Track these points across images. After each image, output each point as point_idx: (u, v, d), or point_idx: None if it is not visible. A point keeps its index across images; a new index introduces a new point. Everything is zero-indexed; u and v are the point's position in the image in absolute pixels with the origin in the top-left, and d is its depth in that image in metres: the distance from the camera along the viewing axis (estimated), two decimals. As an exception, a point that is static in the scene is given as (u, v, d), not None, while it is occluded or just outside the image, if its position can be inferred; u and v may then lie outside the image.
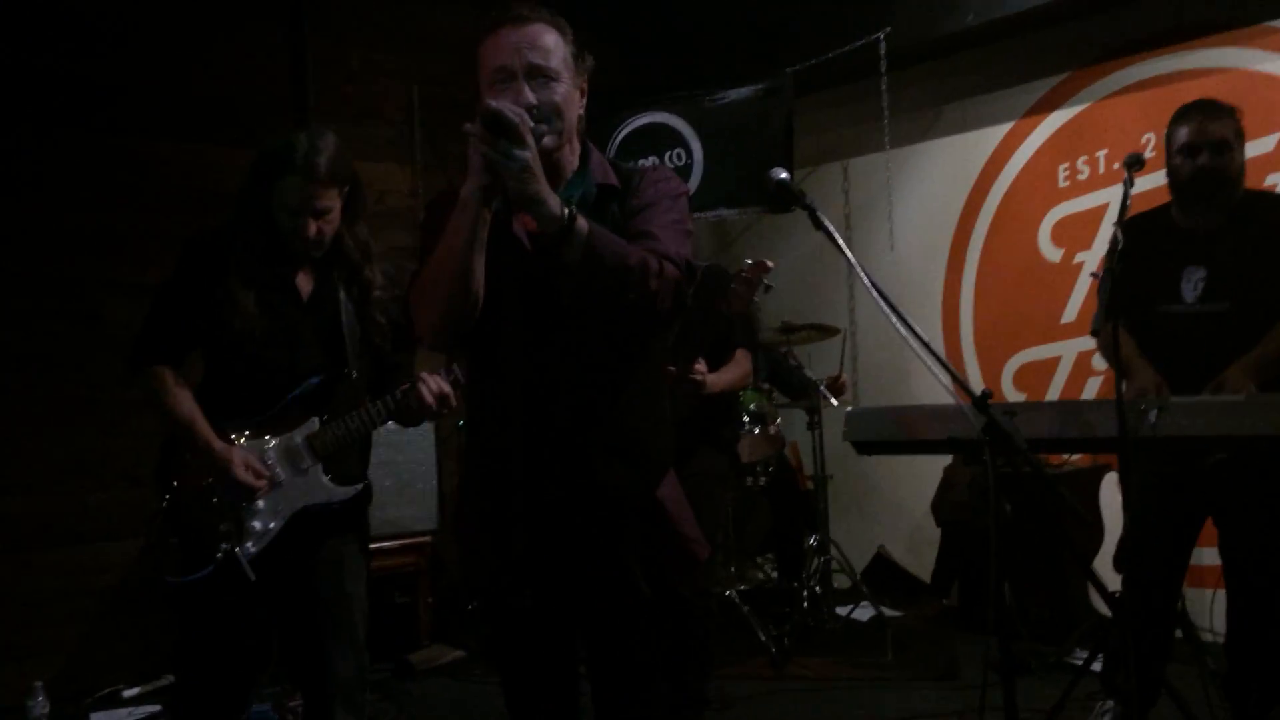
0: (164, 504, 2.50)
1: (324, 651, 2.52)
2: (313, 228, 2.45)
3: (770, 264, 3.74)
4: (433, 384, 2.50)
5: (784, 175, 2.21)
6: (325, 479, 2.51)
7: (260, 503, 2.46)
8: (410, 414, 2.57)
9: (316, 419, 2.51)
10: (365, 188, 2.62)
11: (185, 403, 2.47)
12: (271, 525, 2.46)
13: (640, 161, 1.97)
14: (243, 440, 2.48)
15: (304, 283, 2.55)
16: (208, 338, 2.50)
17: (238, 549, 2.42)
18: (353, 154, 5.57)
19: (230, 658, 2.50)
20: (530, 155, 1.74)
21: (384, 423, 2.56)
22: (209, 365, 2.55)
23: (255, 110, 5.07)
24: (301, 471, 2.49)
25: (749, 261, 3.71)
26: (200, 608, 2.48)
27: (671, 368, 3.58)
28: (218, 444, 2.44)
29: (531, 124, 1.77)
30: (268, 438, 2.49)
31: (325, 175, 2.43)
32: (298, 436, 2.49)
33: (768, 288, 3.91)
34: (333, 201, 2.47)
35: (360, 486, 2.57)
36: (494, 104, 1.75)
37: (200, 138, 4.81)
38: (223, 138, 4.89)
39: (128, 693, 4.31)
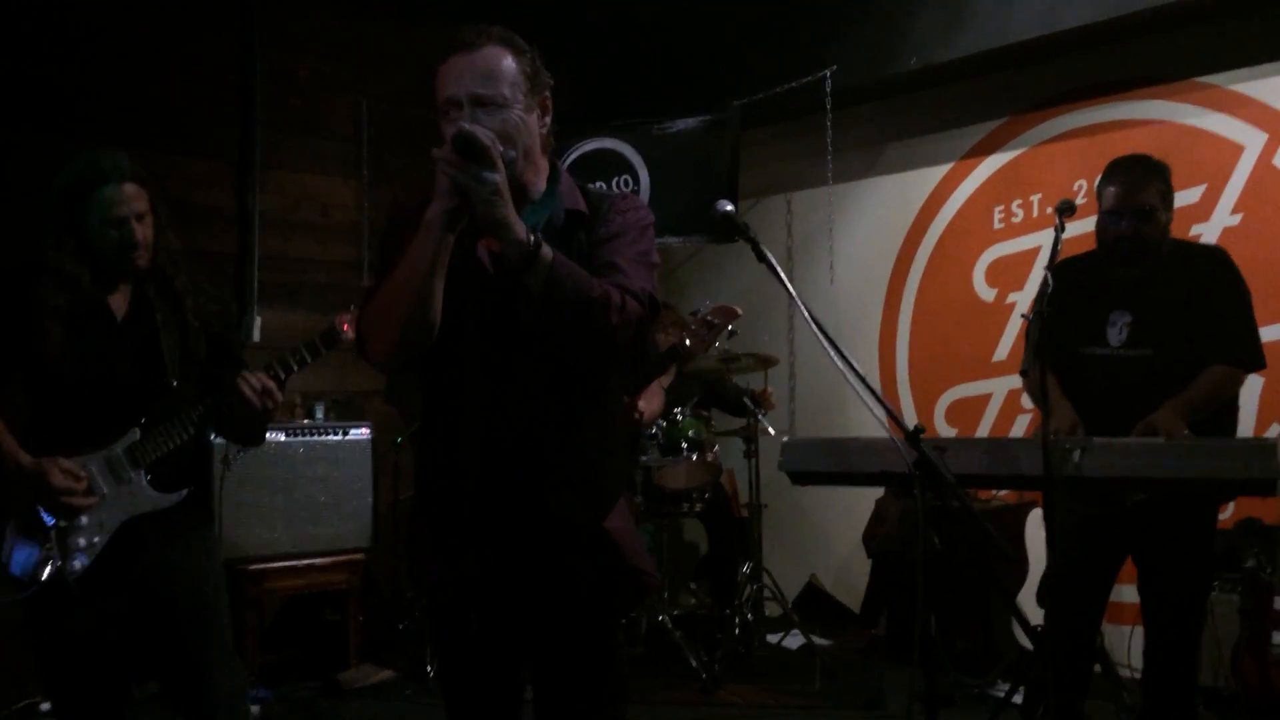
0: None
1: (197, 665, 2.51)
2: (139, 231, 2.47)
3: (739, 311, 3.76)
4: (252, 380, 2.48)
5: (729, 207, 2.25)
6: (149, 487, 2.49)
7: (83, 518, 2.43)
8: (239, 419, 2.56)
9: (136, 429, 2.49)
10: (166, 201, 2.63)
11: None
12: (96, 540, 2.44)
13: (581, 184, 2.00)
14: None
15: (118, 304, 2.54)
16: (22, 370, 2.49)
17: (63, 565, 2.39)
18: (298, 166, 5.57)
19: (85, 677, 2.48)
20: (500, 179, 1.74)
21: (204, 426, 2.55)
22: (30, 397, 2.53)
23: (203, 119, 5.05)
24: (124, 482, 2.47)
25: (709, 303, 3.71)
26: (40, 628, 2.46)
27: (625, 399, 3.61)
28: (26, 458, 2.40)
29: (501, 148, 1.77)
30: (89, 453, 2.47)
31: (134, 177, 2.47)
32: (118, 448, 2.48)
33: (732, 333, 3.95)
34: (145, 206, 2.50)
35: (185, 492, 2.55)
36: (467, 127, 1.75)
37: (147, 145, 4.75)
38: (170, 146, 4.86)
39: (44, 706, 4.21)
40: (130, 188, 2.45)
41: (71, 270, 2.46)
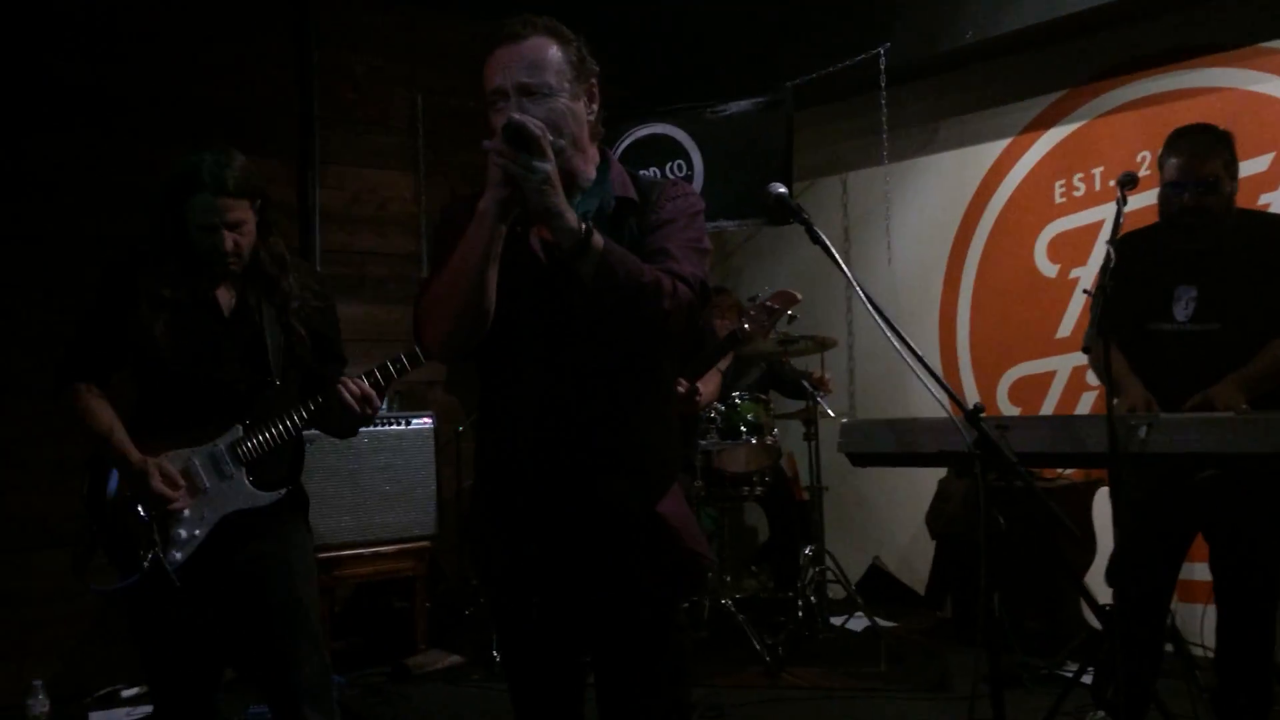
0: (88, 515, 2.54)
1: (285, 656, 2.56)
2: (229, 241, 2.49)
3: (799, 296, 3.76)
4: (352, 386, 2.53)
5: (782, 189, 2.25)
6: (249, 484, 2.54)
7: (185, 510, 2.48)
8: (336, 419, 2.60)
9: (240, 426, 2.54)
10: (272, 205, 2.64)
11: (104, 416, 2.50)
12: (197, 532, 2.49)
13: (641, 173, 2.00)
14: (169, 452, 2.50)
15: (225, 298, 2.58)
16: (131, 358, 2.55)
17: (164, 556, 2.45)
18: (356, 161, 5.64)
19: (181, 662, 2.54)
20: (551, 168, 1.75)
21: (305, 428, 2.59)
22: (138, 384, 2.58)
23: (261, 117, 5.14)
24: (226, 478, 2.52)
25: (769, 289, 3.72)
26: (139, 615, 2.52)
27: (682, 382, 3.62)
28: (134, 455, 2.46)
29: (552, 138, 1.79)
30: (193, 447, 2.52)
31: (234, 189, 2.47)
32: (221, 444, 2.53)
33: (792, 318, 3.96)
34: (244, 215, 2.51)
35: (283, 491, 2.60)
36: (517, 117, 1.77)
37: (208, 144, 4.83)
38: (231, 145, 4.93)
39: (126, 692, 4.34)
40: (226, 200, 2.47)
41: (171, 267, 2.51)
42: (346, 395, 2.52)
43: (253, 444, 2.54)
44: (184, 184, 2.48)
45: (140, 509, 2.47)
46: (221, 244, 2.49)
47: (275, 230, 2.63)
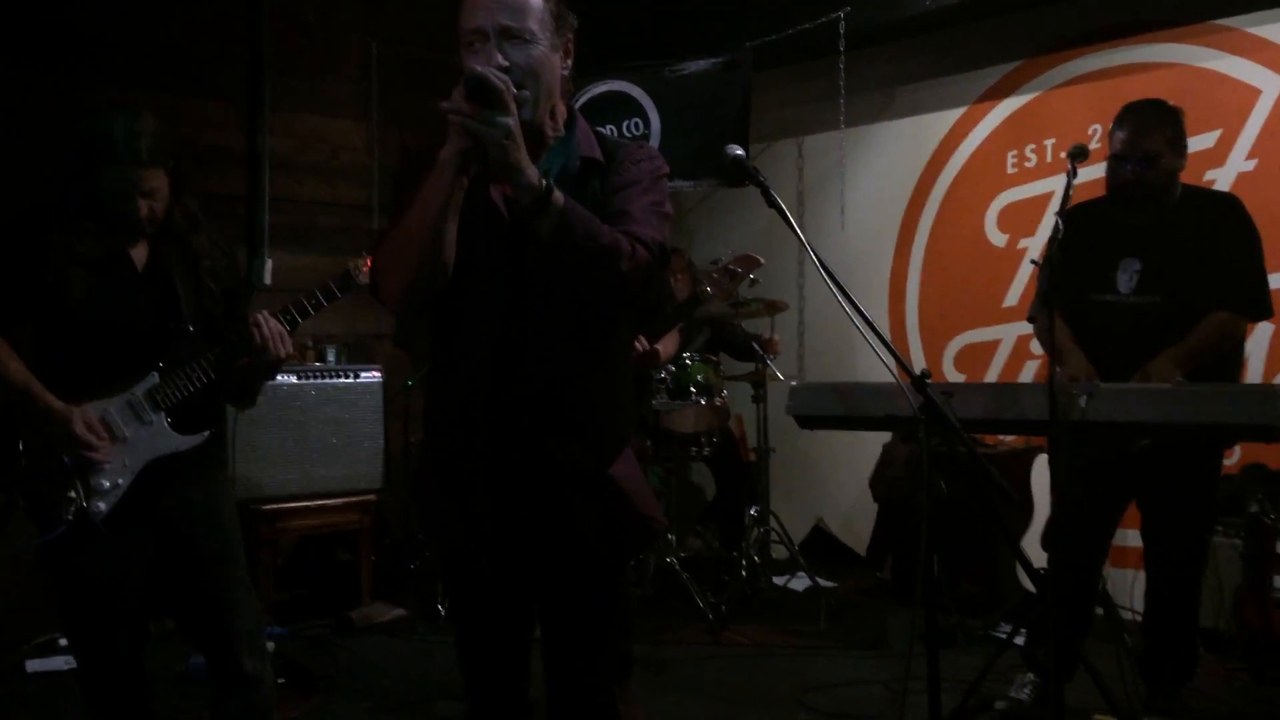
0: (6, 471, 2.49)
1: (220, 604, 2.56)
2: (144, 208, 2.47)
3: (761, 260, 3.78)
4: (268, 324, 2.50)
5: (739, 151, 2.25)
6: (169, 429, 2.52)
7: (106, 460, 2.45)
8: (243, 371, 2.57)
9: (155, 373, 2.51)
10: (192, 166, 2.66)
11: (17, 368, 2.45)
12: (120, 481, 2.47)
13: (597, 130, 1.99)
14: (84, 404, 2.46)
15: (138, 254, 2.55)
16: (36, 315, 2.49)
17: (87, 507, 2.42)
18: (307, 108, 5.52)
19: (108, 618, 2.51)
20: (513, 122, 1.73)
21: (222, 368, 2.56)
22: (40, 342, 2.52)
23: (212, 61, 5.03)
24: (146, 424, 2.50)
25: (731, 251, 3.74)
26: (64, 570, 2.49)
27: (640, 341, 3.63)
28: (56, 404, 2.42)
29: (514, 90, 1.76)
30: (109, 397, 2.49)
31: (148, 159, 2.44)
32: (138, 391, 2.50)
33: (753, 281, 3.98)
34: (159, 182, 2.48)
35: (206, 434, 2.57)
36: (479, 69, 1.74)
37: (157, 88, 4.76)
38: (179, 88, 4.86)
39: (64, 640, 4.29)
40: (140, 170, 2.43)
41: (89, 225, 2.47)
42: (263, 333, 2.48)
43: (170, 388, 2.51)
44: (96, 153, 2.43)
45: (63, 460, 2.43)
46: (136, 212, 2.46)
47: (189, 188, 2.60)
